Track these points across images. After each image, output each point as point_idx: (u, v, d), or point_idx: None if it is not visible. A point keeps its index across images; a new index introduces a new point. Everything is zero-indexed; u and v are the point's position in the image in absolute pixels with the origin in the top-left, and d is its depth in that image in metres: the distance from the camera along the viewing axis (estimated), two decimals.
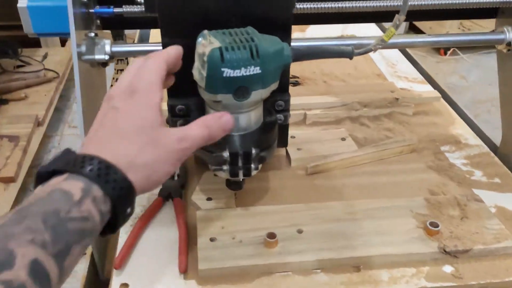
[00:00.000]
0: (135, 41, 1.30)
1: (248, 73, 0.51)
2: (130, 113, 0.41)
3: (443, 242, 0.61)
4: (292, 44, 0.58)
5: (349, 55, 0.57)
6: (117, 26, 0.76)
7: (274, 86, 0.55)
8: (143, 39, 1.32)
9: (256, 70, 0.51)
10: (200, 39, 0.52)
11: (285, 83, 0.63)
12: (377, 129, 0.86)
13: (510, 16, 0.77)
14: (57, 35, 0.68)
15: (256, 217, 0.65)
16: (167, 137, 0.42)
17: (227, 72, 0.50)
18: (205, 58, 0.50)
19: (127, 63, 1.58)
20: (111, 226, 0.39)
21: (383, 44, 0.57)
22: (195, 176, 0.74)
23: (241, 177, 0.56)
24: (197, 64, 0.52)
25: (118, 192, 0.37)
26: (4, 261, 0.30)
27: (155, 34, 1.21)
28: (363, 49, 0.57)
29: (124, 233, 0.64)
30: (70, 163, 0.37)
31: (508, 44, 0.75)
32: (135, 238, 0.62)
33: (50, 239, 0.33)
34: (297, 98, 0.88)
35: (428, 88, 1.01)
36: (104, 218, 0.37)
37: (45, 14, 0.65)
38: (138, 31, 1.35)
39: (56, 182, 0.36)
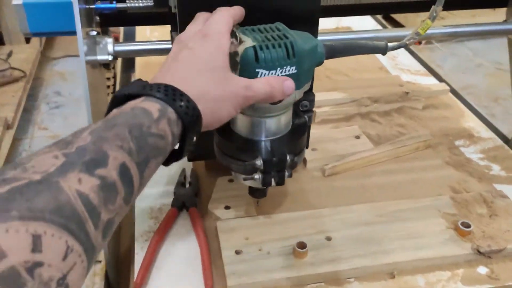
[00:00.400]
0: (121, 39, 1.23)
1: (284, 73, 0.47)
2: (204, 52, 0.43)
3: (476, 243, 0.59)
4: (322, 39, 0.54)
5: (383, 50, 0.53)
6: (117, 23, 0.70)
7: (307, 86, 0.51)
8: (128, 37, 1.25)
9: (292, 70, 0.47)
10: None
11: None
12: (389, 125, 0.83)
13: None
14: (57, 34, 0.62)
15: (281, 225, 0.61)
16: (235, 80, 0.44)
17: (262, 73, 0.46)
18: (238, 59, 0.46)
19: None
20: (176, 154, 0.42)
21: (418, 38, 0.54)
22: (207, 183, 0.69)
23: (273, 185, 0.52)
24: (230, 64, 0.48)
25: (190, 118, 0.40)
26: (100, 160, 0.32)
27: (141, 32, 1.15)
28: (397, 44, 0.54)
29: (139, 249, 0.59)
30: (146, 88, 0.39)
31: None
32: (153, 254, 0.57)
33: (134, 149, 0.35)
34: None
35: (432, 80, 0.99)
36: (174, 140, 0.40)
37: (44, 11, 0.59)
38: (122, 28, 1.28)
39: (134, 103, 0.38)
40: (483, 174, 0.73)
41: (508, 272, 0.58)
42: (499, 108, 2.62)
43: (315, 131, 0.81)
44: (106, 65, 0.65)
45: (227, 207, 0.64)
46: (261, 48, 0.46)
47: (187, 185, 0.68)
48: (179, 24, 0.52)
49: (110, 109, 0.39)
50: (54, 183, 0.29)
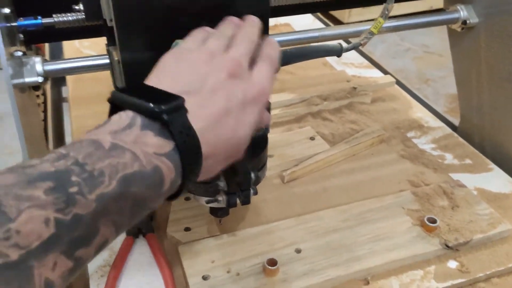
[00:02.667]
0: (46, 55, 1.14)
1: None
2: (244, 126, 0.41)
3: (443, 237, 0.59)
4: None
5: (338, 52, 0.52)
6: (44, 39, 0.64)
7: None
8: (55, 51, 1.15)
9: None
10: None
11: None
12: (340, 122, 0.82)
13: None
14: None
15: (247, 242, 0.58)
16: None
17: None
18: None
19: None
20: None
21: (372, 37, 0.52)
22: (162, 205, 0.64)
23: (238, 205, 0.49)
24: None
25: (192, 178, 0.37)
26: (88, 237, 0.30)
27: (70, 45, 1.07)
28: (351, 45, 0.52)
29: (95, 286, 0.53)
30: (149, 107, 0.35)
31: (464, 22, 0.75)
32: None
33: (126, 223, 0.33)
34: None
35: (376, 72, 0.99)
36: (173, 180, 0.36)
37: None
38: (46, 44, 1.18)
39: (153, 149, 0.34)
40: (438, 164, 0.74)
41: (477, 263, 0.58)
42: (430, 90, 2.74)
43: (269, 136, 0.78)
44: (35, 87, 0.59)
45: (187, 229, 0.60)
46: None
47: None
48: (118, 40, 0.47)
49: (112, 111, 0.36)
50: (28, 269, 0.26)
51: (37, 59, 0.57)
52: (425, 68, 2.93)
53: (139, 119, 0.34)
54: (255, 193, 0.49)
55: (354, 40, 0.57)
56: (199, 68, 0.39)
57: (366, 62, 1.03)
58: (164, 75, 0.39)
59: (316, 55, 0.52)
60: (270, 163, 0.70)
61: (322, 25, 1.21)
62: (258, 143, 0.51)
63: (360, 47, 0.53)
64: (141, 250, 0.58)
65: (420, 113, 0.86)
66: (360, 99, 0.87)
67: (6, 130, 2.14)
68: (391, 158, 0.75)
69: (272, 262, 0.54)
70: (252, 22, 0.46)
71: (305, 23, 1.18)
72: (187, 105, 0.35)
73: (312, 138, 0.76)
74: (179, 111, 0.35)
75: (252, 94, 0.40)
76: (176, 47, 0.43)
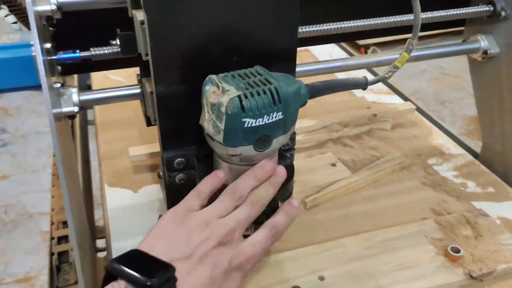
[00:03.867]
0: (76, 84, 1.17)
1: (271, 120, 0.45)
2: None
3: (467, 267, 0.59)
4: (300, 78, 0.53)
5: (363, 86, 0.53)
6: (79, 71, 0.66)
7: (293, 129, 0.49)
8: (81, 80, 1.19)
9: (279, 115, 0.45)
10: (208, 87, 0.46)
11: None
12: (361, 148, 0.83)
13: (478, 24, 0.78)
14: (21, 89, 0.57)
15: (272, 269, 0.59)
16: None
17: (249, 122, 0.44)
18: (223, 109, 0.44)
19: None
20: None
21: (396, 71, 0.54)
22: None
23: None
24: (208, 115, 0.45)
25: None
26: None
27: (96, 73, 1.10)
28: (376, 78, 0.54)
29: None
30: (139, 268, 0.39)
31: (484, 52, 0.76)
32: None
33: None
34: None
35: (396, 98, 1.00)
36: None
37: (5, 66, 0.54)
38: (75, 75, 1.22)
39: None
40: (460, 192, 0.74)
41: None
42: (446, 111, 2.73)
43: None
44: (71, 116, 0.61)
45: None
46: (246, 97, 0.44)
47: None
48: (153, 73, 0.50)
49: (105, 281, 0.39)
50: None
51: (74, 90, 0.60)
52: (442, 90, 2.93)
53: None
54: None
55: (377, 71, 0.59)
56: (192, 235, 0.43)
57: (385, 88, 1.05)
58: (160, 240, 0.43)
59: (342, 89, 0.53)
60: (294, 189, 0.72)
61: (341, 51, 1.23)
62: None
63: (386, 79, 0.54)
64: None
65: (440, 139, 0.87)
66: (380, 126, 0.88)
67: (29, 148, 2.19)
68: (413, 185, 0.76)
69: None
70: (275, 179, 0.49)
71: (324, 50, 1.20)
72: (177, 273, 0.39)
73: (333, 165, 0.78)
74: (169, 282, 0.39)
75: (238, 262, 0.44)
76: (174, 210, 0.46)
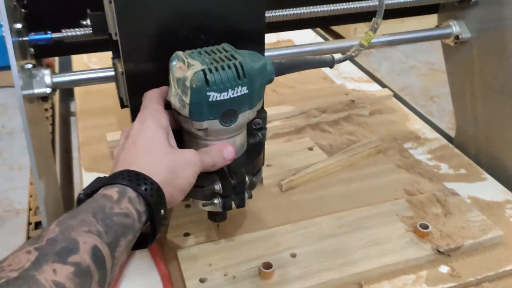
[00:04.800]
0: (56, 69, 1.18)
1: (235, 95, 0.46)
2: (144, 136, 0.46)
3: (435, 243, 0.61)
4: (269, 55, 0.54)
5: (330, 63, 0.54)
6: (54, 53, 0.67)
7: (259, 105, 0.50)
8: (64, 65, 1.20)
9: (244, 90, 0.46)
10: (174, 63, 0.46)
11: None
12: (338, 133, 0.85)
13: (451, 10, 0.79)
14: None
15: (244, 247, 0.60)
16: (180, 150, 0.47)
17: (214, 96, 0.45)
18: (187, 83, 0.44)
19: None
20: (152, 234, 0.44)
21: (363, 49, 0.55)
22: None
23: (234, 208, 0.51)
24: (175, 90, 0.46)
25: (149, 192, 0.42)
26: (71, 247, 0.35)
27: (78, 58, 1.11)
28: (343, 56, 0.55)
29: None
30: (104, 181, 0.43)
31: (456, 37, 0.77)
32: None
33: (103, 230, 0.38)
34: None
35: (375, 86, 1.01)
36: (141, 217, 0.42)
37: None
38: (56, 59, 1.23)
39: (96, 194, 0.42)
40: (433, 174, 0.76)
41: (468, 268, 0.59)
42: (434, 106, 2.75)
43: (268, 147, 0.79)
44: (44, 98, 0.62)
45: (186, 234, 0.62)
46: (210, 71, 0.45)
47: None
48: (122, 52, 0.50)
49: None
50: (31, 277, 0.32)
51: (46, 72, 0.60)
52: (430, 85, 2.95)
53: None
54: (250, 196, 0.51)
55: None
56: None
57: (365, 76, 1.06)
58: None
59: (308, 66, 0.54)
60: (269, 172, 0.73)
61: (322, 41, 1.24)
62: (253, 149, 0.53)
63: (354, 58, 0.56)
64: (142, 255, 0.60)
65: (417, 125, 0.88)
66: (358, 112, 0.89)
67: (16, 146, 2.18)
68: (388, 168, 0.77)
69: (268, 265, 0.56)
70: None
71: (307, 39, 1.21)
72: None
73: (310, 149, 0.79)
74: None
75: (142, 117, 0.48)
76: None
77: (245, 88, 0.46)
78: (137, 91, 0.53)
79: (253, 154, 0.53)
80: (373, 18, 0.54)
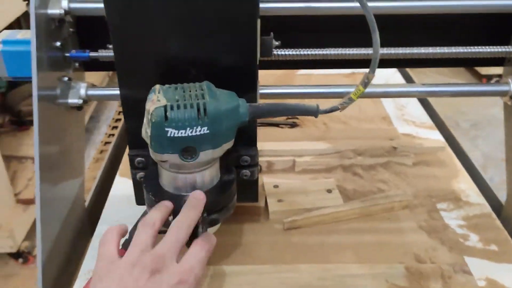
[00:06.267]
0: None
1: (194, 133, 0.47)
2: None
3: None
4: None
5: (313, 113, 0.53)
6: (98, 69, 0.75)
7: (227, 145, 0.51)
8: None
9: (204, 130, 0.48)
10: (150, 95, 0.50)
11: (251, 136, 0.59)
12: (370, 180, 0.80)
13: None
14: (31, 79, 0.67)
15: (215, 279, 0.61)
16: None
17: (171, 132, 0.47)
18: (149, 117, 0.47)
19: None
20: None
21: (351, 102, 0.53)
22: None
23: None
24: (145, 121, 0.49)
25: None
26: None
27: None
28: (329, 108, 0.53)
29: (78, 287, 0.61)
30: None
31: None
32: None
33: None
34: (286, 144, 0.84)
35: (436, 134, 0.94)
36: None
37: (18, 58, 0.64)
38: None
39: None
40: (457, 243, 0.68)
41: None
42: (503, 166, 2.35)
43: (290, 181, 0.80)
44: (78, 108, 0.69)
45: None
46: (172, 108, 0.47)
47: None
48: (118, 77, 0.55)
49: None
50: None
51: (83, 85, 0.68)
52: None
53: None
54: (205, 230, 0.51)
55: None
56: (123, 280, 0.44)
57: (429, 122, 0.98)
58: None
59: (290, 113, 0.53)
60: (277, 207, 0.73)
61: (401, 78, 1.17)
62: (222, 186, 0.54)
63: (339, 111, 0.53)
64: None
65: (464, 184, 0.80)
66: (400, 160, 0.84)
67: None
68: (407, 227, 0.71)
69: None
70: (192, 202, 0.50)
71: (383, 75, 1.16)
72: None
73: (329, 191, 0.76)
74: None
75: (178, 279, 0.44)
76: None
77: (205, 128, 0.48)
78: (131, 113, 0.57)
79: (219, 191, 0.54)
80: (365, 73, 0.51)
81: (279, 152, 0.82)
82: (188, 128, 0.47)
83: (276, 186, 0.77)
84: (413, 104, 1.05)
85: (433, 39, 0.71)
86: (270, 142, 0.84)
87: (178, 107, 0.47)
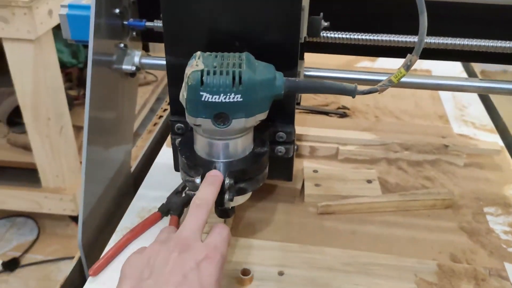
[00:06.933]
0: None
1: (227, 100, 0.49)
2: None
3: None
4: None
5: (351, 93, 0.52)
6: (153, 39, 0.78)
7: (261, 116, 0.52)
8: None
9: (237, 98, 0.49)
10: (191, 60, 0.51)
11: (289, 113, 0.60)
12: (415, 176, 0.78)
13: None
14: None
15: (243, 250, 0.62)
16: None
17: (206, 96, 0.48)
18: (186, 80, 0.49)
19: None
20: None
21: (391, 85, 0.51)
22: None
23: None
24: (183, 85, 0.51)
25: None
26: None
27: None
28: (367, 89, 0.52)
29: (113, 241, 0.65)
30: None
31: None
32: (119, 249, 0.62)
33: None
34: (332, 131, 0.83)
35: (495, 138, 0.89)
36: None
37: (82, 22, 0.69)
38: None
39: None
40: (498, 249, 0.64)
41: None
42: None
43: (331, 168, 0.79)
44: (131, 74, 0.73)
45: None
46: (208, 73, 0.48)
47: (184, 195, 0.72)
48: (164, 45, 0.58)
49: None
50: None
51: (138, 53, 0.71)
52: None
53: None
54: (230, 199, 0.52)
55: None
56: (150, 260, 0.46)
57: (490, 125, 0.93)
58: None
59: (327, 91, 0.53)
60: (313, 191, 0.73)
61: (465, 75, 1.12)
62: (253, 158, 0.55)
63: (378, 93, 0.52)
64: (162, 227, 0.67)
65: None
66: (450, 159, 0.80)
67: None
68: (448, 227, 0.68)
69: (246, 272, 0.57)
70: (209, 178, 0.51)
71: (449, 73, 1.11)
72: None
73: (369, 181, 0.75)
74: None
75: (204, 254, 0.45)
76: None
77: (239, 96, 0.48)
78: (175, 81, 0.59)
79: (250, 161, 0.54)
80: (408, 55, 0.50)
81: (324, 138, 0.82)
82: (222, 94, 0.48)
83: (315, 171, 0.77)
84: (475, 105, 1.00)
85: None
86: (315, 128, 0.84)
87: (214, 73, 0.48)
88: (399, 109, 0.96)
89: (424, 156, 0.80)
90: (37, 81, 1.46)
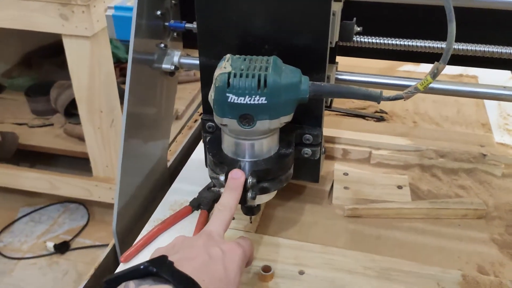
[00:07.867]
0: None
1: (252, 102, 0.50)
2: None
3: None
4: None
5: (376, 99, 0.52)
6: (193, 40, 0.81)
7: (285, 118, 0.53)
8: None
9: (262, 100, 0.50)
10: (221, 63, 0.54)
11: (317, 116, 0.61)
12: (449, 184, 0.76)
13: None
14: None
15: (267, 247, 0.64)
16: None
17: (232, 98, 0.51)
18: (214, 81, 0.51)
19: None
20: None
21: (417, 92, 0.51)
22: None
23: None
24: (213, 86, 0.54)
25: None
26: None
27: None
28: (393, 95, 0.52)
29: (145, 231, 0.68)
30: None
31: None
32: (150, 238, 0.66)
33: None
34: (365, 134, 0.83)
35: None
36: None
37: (125, 23, 0.73)
38: None
39: None
40: None
41: None
42: None
43: (362, 172, 0.79)
44: (171, 73, 0.76)
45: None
46: (235, 76, 0.51)
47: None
48: (198, 46, 0.60)
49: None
50: None
51: (177, 53, 0.75)
52: None
53: (131, 284, 0.42)
54: (253, 197, 0.54)
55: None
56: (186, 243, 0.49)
57: None
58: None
59: (351, 96, 0.53)
60: (342, 194, 0.73)
61: None
62: (278, 158, 0.56)
63: (403, 100, 0.52)
64: (192, 221, 0.70)
65: None
66: (488, 169, 0.78)
67: None
68: (478, 238, 0.67)
69: (267, 269, 0.59)
70: (230, 183, 0.53)
71: (497, 80, 1.08)
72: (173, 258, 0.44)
73: (399, 187, 0.74)
74: (164, 262, 0.43)
75: (229, 247, 0.48)
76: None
77: (263, 98, 0.50)
78: (207, 81, 0.62)
79: (275, 162, 0.56)
80: (435, 62, 0.49)
81: (357, 141, 0.82)
82: (247, 96, 0.50)
83: (346, 174, 0.77)
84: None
85: None
86: (349, 131, 0.84)
87: (241, 75, 0.50)
88: (440, 115, 0.94)
89: (460, 164, 0.79)
90: (92, 75, 1.54)
